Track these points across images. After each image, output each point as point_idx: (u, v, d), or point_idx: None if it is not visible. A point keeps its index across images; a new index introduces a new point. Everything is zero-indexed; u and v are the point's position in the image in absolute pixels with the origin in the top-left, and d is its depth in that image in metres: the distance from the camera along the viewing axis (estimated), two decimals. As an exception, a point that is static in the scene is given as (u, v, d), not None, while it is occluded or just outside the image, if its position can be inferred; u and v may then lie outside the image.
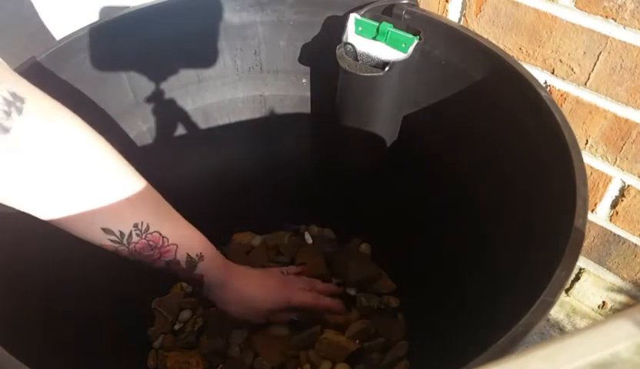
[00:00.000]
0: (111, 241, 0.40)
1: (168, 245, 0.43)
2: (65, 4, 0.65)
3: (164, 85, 0.59)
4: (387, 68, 0.52)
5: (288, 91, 0.65)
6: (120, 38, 0.54)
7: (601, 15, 0.56)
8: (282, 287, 0.58)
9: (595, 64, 0.59)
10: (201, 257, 0.46)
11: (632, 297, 0.76)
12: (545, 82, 0.65)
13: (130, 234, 0.40)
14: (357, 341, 0.60)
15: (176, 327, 0.64)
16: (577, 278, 0.80)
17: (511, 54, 0.57)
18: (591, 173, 0.68)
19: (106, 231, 0.40)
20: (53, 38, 0.51)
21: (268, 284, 0.57)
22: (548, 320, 0.81)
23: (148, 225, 0.41)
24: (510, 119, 0.50)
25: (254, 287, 0.55)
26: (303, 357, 0.61)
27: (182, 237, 0.44)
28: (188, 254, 0.45)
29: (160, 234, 0.42)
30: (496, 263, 0.50)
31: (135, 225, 0.40)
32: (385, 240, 0.70)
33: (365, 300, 0.66)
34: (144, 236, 0.41)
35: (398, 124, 0.60)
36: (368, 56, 0.54)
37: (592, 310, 0.82)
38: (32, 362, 0.31)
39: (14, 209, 0.42)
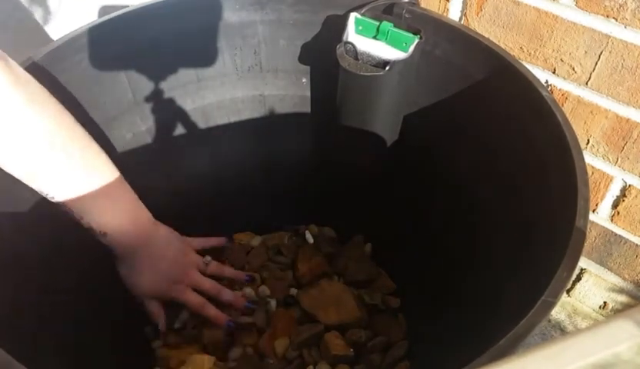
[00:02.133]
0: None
1: (73, 215, 0.47)
2: (64, 4, 0.65)
3: (163, 85, 0.59)
4: (387, 68, 0.51)
5: (288, 91, 0.65)
6: (119, 37, 0.54)
7: (602, 15, 0.56)
8: (171, 284, 0.57)
9: (596, 63, 0.59)
10: (103, 234, 0.49)
11: (633, 298, 0.76)
12: (546, 82, 0.65)
13: (36, 190, 0.44)
14: (351, 350, 0.60)
15: (177, 325, 0.63)
16: (578, 279, 0.80)
17: (512, 53, 0.57)
18: (593, 173, 0.68)
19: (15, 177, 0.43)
20: (52, 38, 0.51)
21: (157, 278, 0.56)
22: (550, 321, 0.80)
23: (53, 196, 0.44)
24: (511, 119, 0.50)
25: (144, 276, 0.55)
26: (307, 356, 0.61)
27: (90, 213, 0.47)
28: (91, 227, 0.48)
29: (66, 206, 0.45)
30: (497, 263, 0.50)
31: (40, 190, 0.44)
32: (385, 239, 0.70)
33: (368, 298, 0.66)
34: (48, 199, 0.45)
35: (399, 124, 0.60)
36: (369, 55, 0.54)
37: (593, 310, 0.81)
38: (32, 362, 0.30)
39: (12, 210, 0.42)
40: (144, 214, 0.53)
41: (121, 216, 0.50)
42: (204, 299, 0.58)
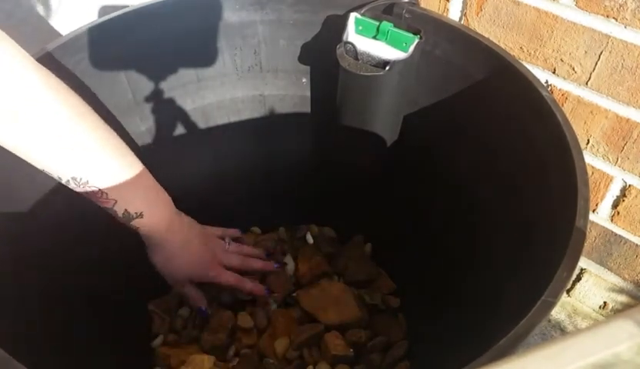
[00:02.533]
0: (50, 176, 0.42)
1: (107, 199, 0.45)
2: (64, 4, 0.65)
3: (163, 85, 0.59)
4: (387, 68, 0.52)
5: (288, 91, 0.65)
6: (119, 37, 0.54)
7: (602, 15, 0.56)
8: (208, 265, 0.59)
9: (596, 63, 0.59)
10: (140, 215, 0.48)
11: (633, 298, 0.76)
12: (546, 82, 0.65)
13: (68, 182, 0.42)
14: (351, 350, 0.60)
15: (178, 324, 0.63)
16: (578, 279, 0.80)
17: (512, 53, 0.57)
18: (593, 173, 0.68)
19: (45, 171, 0.41)
20: (51, 38, 0.51)
21: (194, 259, 0.57)
22: (550, 321, 0.80)
23: (87, 180, 0.42)
24: (511, 119, 0.50)
25: (181, 260, 0.56)
26: (307, 356, 0.61)
27: (125, 195, 0.46)
28: (126, 210, 0.46)
29: (99, 189, 0.43)
30: (497, 263, 0.50)
31: (73, 178, 0.42)
32: (385, 239, 0.70)
33: (368, 298, 0.66)
34: (81, 187, 0.42)
35: (399, 124, 0.60)
36: (369, 55, 0.54)
37: (593, 310, 0.81)
38: (32, 362, 0.30)
39: (12, 209, 0.42)
40: (170, 200, 0.53)
41: (153, 202, 0.50)
42: (239, 275, 0.61)
